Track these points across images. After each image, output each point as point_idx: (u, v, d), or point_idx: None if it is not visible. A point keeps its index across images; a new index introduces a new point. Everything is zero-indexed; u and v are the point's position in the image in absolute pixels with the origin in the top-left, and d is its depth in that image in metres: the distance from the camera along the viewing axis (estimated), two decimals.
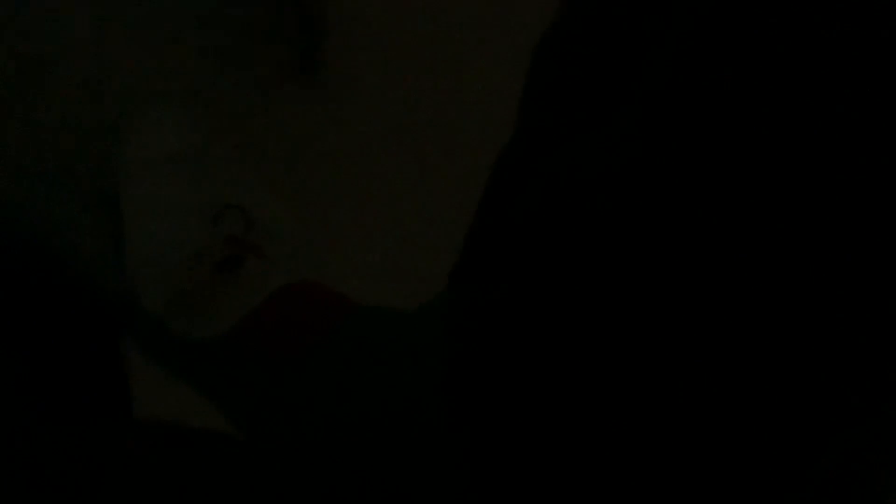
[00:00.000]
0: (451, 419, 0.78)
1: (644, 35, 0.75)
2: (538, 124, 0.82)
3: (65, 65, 0.96)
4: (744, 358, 0.71)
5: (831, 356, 0.72)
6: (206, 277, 0.91)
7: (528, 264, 0.75)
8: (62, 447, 0.86)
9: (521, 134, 0.84)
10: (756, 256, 0.70)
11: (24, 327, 0.96)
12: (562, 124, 0.80)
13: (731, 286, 0.70)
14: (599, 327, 0.72)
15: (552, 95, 0.82)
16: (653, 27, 0.75)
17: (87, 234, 0.96)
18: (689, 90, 0.71)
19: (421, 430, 0.80)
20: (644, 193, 0.71)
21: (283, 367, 0.88)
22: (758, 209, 0.70)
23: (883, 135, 0.69)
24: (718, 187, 0.70)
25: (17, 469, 0.84)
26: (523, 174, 0.81)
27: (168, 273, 0.91)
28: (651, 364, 0.72)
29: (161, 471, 0.85)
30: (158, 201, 0.93)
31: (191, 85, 0.98)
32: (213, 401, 0.93)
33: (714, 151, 0.70)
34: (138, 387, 1.03)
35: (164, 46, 0.98)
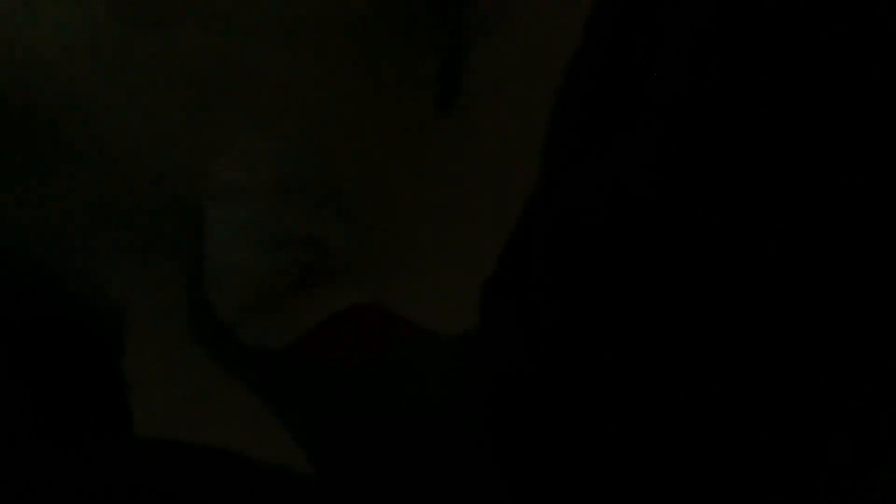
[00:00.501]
0: (489, 439, 0.79)
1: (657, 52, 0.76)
2: (567, 149, 0.83)
3: None
4: (764, 367, 0.73)
5: (834, 356, 0.73)
6: (278, 293, 0.96)
7: (553, 281, 0.77)
8: (59, 465, 0.88)
9: (550, 160, 0.85)
10: (788, 265, 0.71)
11: (18, 346, 0.99)
12: (585, 148, 0.81)
13: (762, 295, 0.71)
14: (631, 340, 0.74)
15: (579, 127, 0.83)
16: (663, 45, 0.75)
17: (79, 247, 0.99)
18: (703, 98, 0.71)
19: (454, 450, 0.82)
20: (666, 205, 0.73)
21: (338, 380, 0.91)
22: (790, 218, 0.70)
23: None
24: (746, 197, 0.71)
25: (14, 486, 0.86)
26: (554, 197, 0.82)
27: (243, 287, 0.96)
28: (683, 373, 0.73)
29: (161, 491, 0.88)
30: (243, 226, 0.97)
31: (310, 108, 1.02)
32: (272, 408, 0.96)
33: (736, 161, 0.71)
34: (139, 405, 1.06)
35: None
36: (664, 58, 0.75)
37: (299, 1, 1.03)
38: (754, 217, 0.71)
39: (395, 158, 1.08)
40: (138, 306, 1.08)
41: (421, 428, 0.84)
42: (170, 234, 1.03)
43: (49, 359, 1.00)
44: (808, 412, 0.74)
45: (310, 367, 0.93)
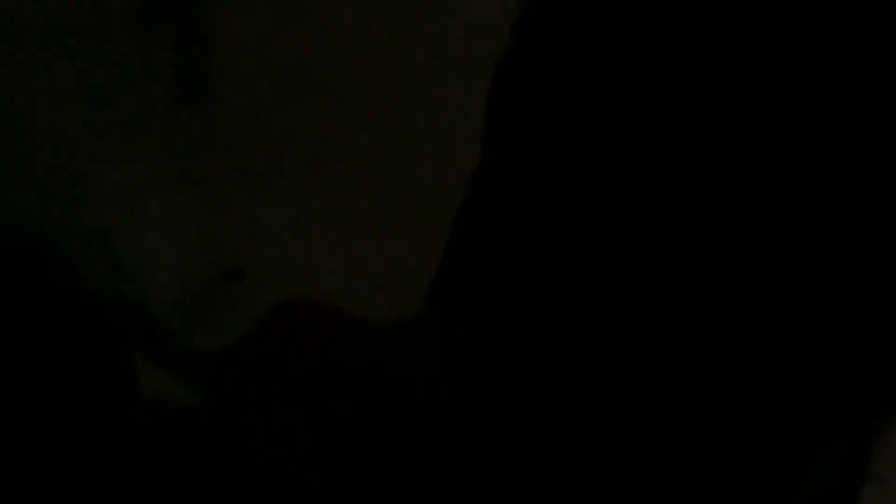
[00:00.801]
0: (464, 438, 0.81)
1: (624, 46, 0.76)
2: (511, 144, 0.83)
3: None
4: (745, 360, 0.74)
5: (831, 356, 0.75)
6: (211, 291, 0.95)
7: (529, 279, 0.77)
8: (66, 431, 0.86)
9: (492, 155, 0.85)
10: (760, 259, 0.72)
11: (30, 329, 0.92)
12: (538, 141, 0.81)
13: (738, 289, 0.72)
14: (611, 334, 0.75)
15: (521, 115, 0.82)
16: (635, 37, 0.75)
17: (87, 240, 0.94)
18: (684, 95, 0.72)
19: (431, 439, 0.83)
20: (646, 199, 0.73)
21: (289, 378, 0.91)
22: (762, 212, 0.71)
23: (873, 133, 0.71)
24: (720, 189, 0.72)
25: (20, 454, 0.84)
26: (504, 192, 0.82)
27: (178, 288, 0.94)
28: (661, 368, 0.74)
29: (166, 457, 0.86)
30: (153, 229, 0.95)
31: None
32: (222, 411, 0.93)
33: (713, 154, 0.72)
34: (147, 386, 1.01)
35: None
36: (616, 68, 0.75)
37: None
38: (698, 223, 0.72)
39: None
40: None
41: (390, 421, 0.85)
42: None
43: (65, 344, 0.92)
44: (807, 413, 0.76)
45: (253, 368, 0.93)
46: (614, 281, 0.74)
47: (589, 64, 0.77)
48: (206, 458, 0.86)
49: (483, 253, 0.81)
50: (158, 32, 1.05)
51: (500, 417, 0.79)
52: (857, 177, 0.71)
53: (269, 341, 0.93)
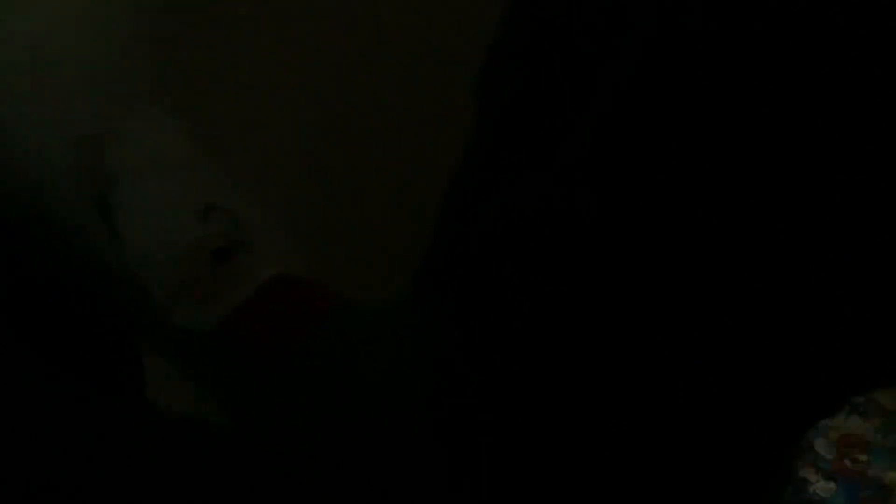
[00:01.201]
0: (443, 427, 0.81)
1: (599, 37, 0.77)
2: (495, 139, 0.84)
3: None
4: (739, 356, 0.74)
5: (830, 356, 0.75)
6: (204, 266, 0.96)
7: (513, 273, 0.77)
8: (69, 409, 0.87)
9: (477, 149, 0.87)
10: (742, 255, 0.72)
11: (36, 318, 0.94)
12: (522, 136, 0.82)
13: (720, 284, 0.72)
14: (593, 332, 0.74)
15: (506, 109, 0.84)
16: (607, 32, 0.76)
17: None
18: (661, 82, 0.72)
19: (414, 430, 0.83)
20: (625, 192, 0.73)
21: (274, 363, 0.93)
22: (743, 206, 0.71)
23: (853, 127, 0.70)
24: (699, 182, 0.71)
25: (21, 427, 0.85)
26: (487, 186, 0.83)
27: (168, 265, 0.95)
28: (646, 366, 0.74)
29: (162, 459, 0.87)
30: (149, 203, 0.97)
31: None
32: (209, 393, 0.95)
33: (689, 146, 0.71)
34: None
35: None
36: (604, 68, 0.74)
37: None
38: (687, 226, 0.71)
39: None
40: None
41: (373, 409, 0.86)
42: None
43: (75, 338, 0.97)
44: (807, 413, 0.77)
45: (240, 350, 0.94)
46: (600, 276, 0.74)
47: (577, 59, 0.78)
48: (204, 460, 0.87)
49: (464, 245, 0.82)
50: None
51: (478, 413, 0.79)
52: (858, 176, 0.71)
53: (255, 320, 0.94)
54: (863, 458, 1.06)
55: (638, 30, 0.72)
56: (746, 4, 0.70)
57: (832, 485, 1.03)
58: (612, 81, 0.74)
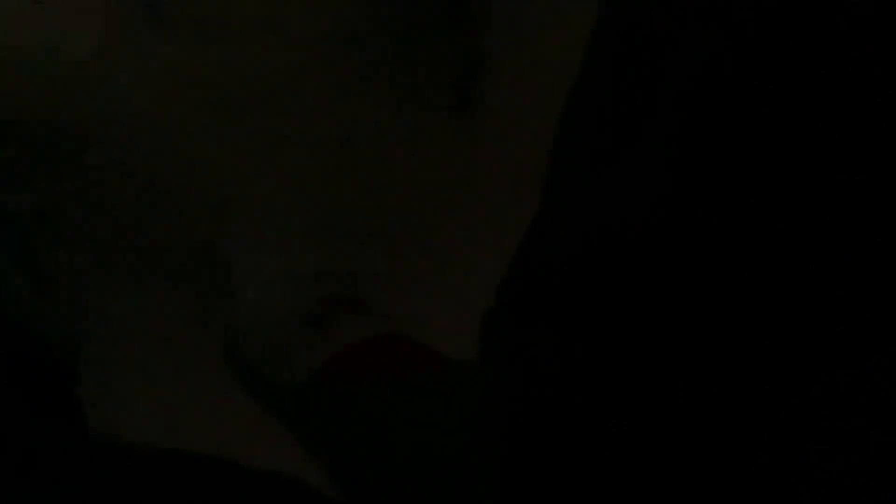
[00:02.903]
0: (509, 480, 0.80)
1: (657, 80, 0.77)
2: (570, 176, 0.84)
3: None
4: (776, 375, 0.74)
5: (833, 358, 0.74)
6: (296, 330, 0.97)
7: (572, 311, 0.78)
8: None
9: (554, 186, 0.86)
10: (797, 284, 0.72)
11: None
12: (590, 173, 0.82)
13: (783, 319, 0.72)
14: (653, 370, 0.74)
15: (583, 146, 0.84)
16: (663, 70, 0.76)
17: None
18: (709, 119, 0.73)
19: (467, 477, 0.83)
20: (678, 226, 0.73)
21: (358, 406, 0.92)
22: (800, 237, 0.71)
23: None
24: (753, 216, 0.72)
25: None
26: (556, 224, 0.83)
27: (266, 328, 0.97)
28: (708, 401, 0.74)
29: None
30: (267, 266, 0.99)
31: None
32: (303, 443, 0.96)
33: (744, 180, 0.72)
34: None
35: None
36: (668, 83, 0.76)
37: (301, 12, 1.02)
38: (760, 241, 0.72)
39: (416, 171, 1.09)
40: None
41: (436, 456, 0.85)
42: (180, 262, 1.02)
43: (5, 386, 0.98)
44: (811, 416, 0.75)
45: (332, 395, 0.94)
46: (648, 293, 0.74)
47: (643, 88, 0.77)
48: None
49: (537, 281, 0.81)
50: (436, 45, 1.08)
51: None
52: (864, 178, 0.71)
53: (346, 371, 0.95)
54: None
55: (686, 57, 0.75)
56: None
57: None
58: (672, 102, 0.75)
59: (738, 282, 0.72)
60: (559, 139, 0.85)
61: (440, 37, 1.08)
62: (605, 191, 0.78)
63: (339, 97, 1.04)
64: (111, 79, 1.01)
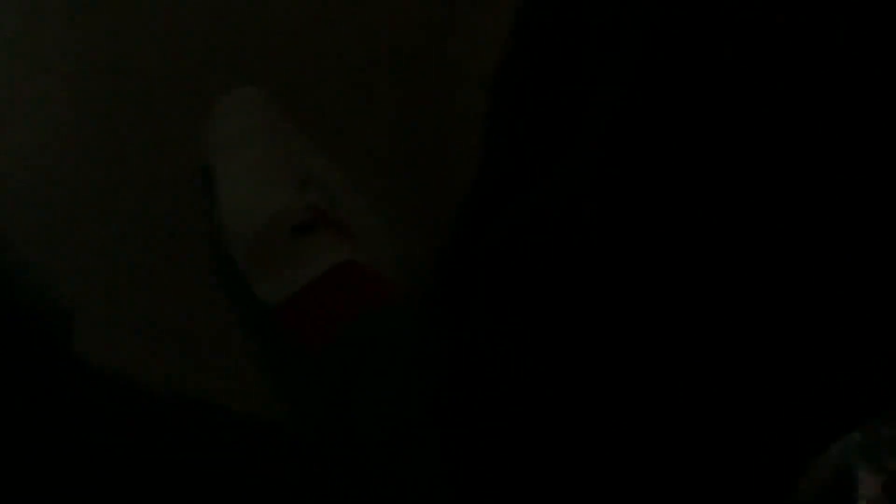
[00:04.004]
0: (440, 439, 0.82)
1: (597, 50, 0.76)
2: (503, 155, 0.84)
3: None
4: (739, 358, 0.73)
5: (831, 357, 0.73)
6: (283, 238, 0.99)
7: (510, 284, 0.77)
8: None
9: (486, 167, 0.86)
10: (746, 258, 0.71)
11: None
12: (527, 151, 0.82)
13: (724, 288, 0.71)
14: (594, 337, 0.74)
15: (515, 124, 0.83)
16: (603, 40, 0.75)
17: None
18: (654, 91, 0.70)
19: (412, 443, 0.86)
20: (622, 202, 0.72)
21: (309, 355, 0.96)
22: (740, 210, 0.70)
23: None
24: (684, 219, 0.71)
25: None
26: (493, 202, 0.83)
27: (253, 229, 1.00)
28: (646, 370, 0.73)
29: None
30: (250, 170, 1.01)
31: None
32: (261, 367, 1.01)
33: (690, 149, 0.70)
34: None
35: None
36: (603, 78, 0.74)
37: None
38: (695, 238, 0.71)
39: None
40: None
41: (374, 418, 0.89)
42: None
43: None
44: (808, 414, 0.76)
45: (288, 337, 0.98)
46: (603, 281, 0.73)
47: (580, 64, 0.78)
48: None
49: (472, 254, 0.83)
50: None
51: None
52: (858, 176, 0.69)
53: (311, 307, 0.98)
54: None
55: (636, 32, 0.72)
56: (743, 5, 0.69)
57: None
58: (614, 85, 0.73)
59: (684, 265, 0.72)
60: (491, 114, 0.85)
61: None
62: (539, 170, 0.78)
63: None
64: None
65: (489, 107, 0.84)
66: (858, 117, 0.68)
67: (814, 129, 0.68)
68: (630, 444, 0.76)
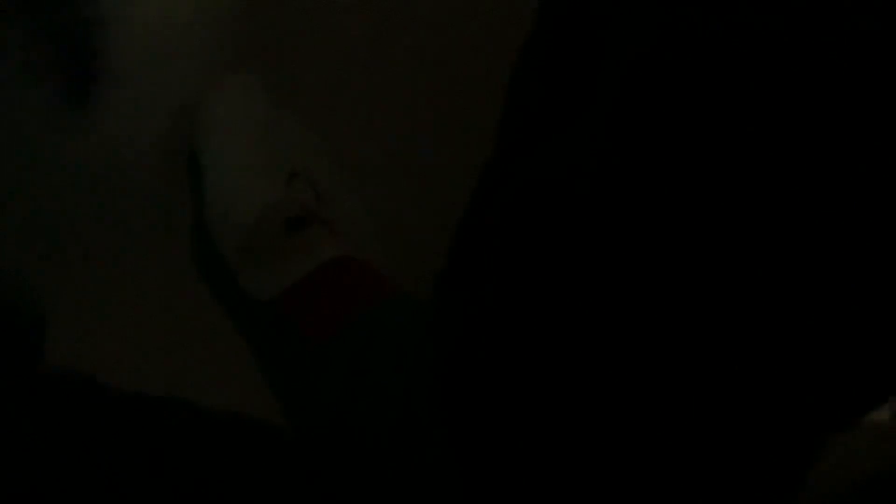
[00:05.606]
0: (443, 425, 0.80)
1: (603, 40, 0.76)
2: (517, 137, 0.83)
3: None
4: (737, 354, 0.72)
5: (830, 357, 0.73)
6: (275, 234, 0.96)
7: (509, 265, 0.76)
8: None
9: (501, 148, 0.85)
10: (738, 251, 0.70)
11: None
12: (536, 134, 0.81)
13: (715, 276, 0.71)
14: (585, 324, 0.73)
15: (531, 109, 0.82)
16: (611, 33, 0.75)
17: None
18: (652, 80, 0.71)
19: (414, 437, 0.83)
20: (618, 186, 0.72)
21: (311, 348, 0.93)
22: (736, 202, 0.70)
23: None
24: (699, 184, 0.70)
25: None
26: (501, 183, 0.82)
27: (241, 227, 0.97)
28: (641, 358, 0.73)
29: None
30: (237, 162, 0.98)
31: None
32: (258, 363, 0.97)
33: (686, 152, 0.70)
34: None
35: None
36: (614, 50, 0.74)
37: None
38: (708, 205, 0.70)
39: None
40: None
41: (377, 415, 0.85)
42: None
43: None
44: (807, 414, 0.74)
45: (286, 330, 0.94)
46: (594, 256, 0.73)
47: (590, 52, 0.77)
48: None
49: (484, 241, 0.81)
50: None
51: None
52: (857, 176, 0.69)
53: (307, 299, 0.95)
54: None
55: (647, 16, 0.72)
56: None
57: None
58: (617, 70, 0.73)
59: (684, 252, 0.71)
60: (508, 107, 0.83)
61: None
62: (552, 151, 0.77)
63: None
64: None
65: (509, 87, 0.84)
66: (858, 117, 0.68)
67: (764, 96, 0.68)
68: (630, 442, 0.74)
